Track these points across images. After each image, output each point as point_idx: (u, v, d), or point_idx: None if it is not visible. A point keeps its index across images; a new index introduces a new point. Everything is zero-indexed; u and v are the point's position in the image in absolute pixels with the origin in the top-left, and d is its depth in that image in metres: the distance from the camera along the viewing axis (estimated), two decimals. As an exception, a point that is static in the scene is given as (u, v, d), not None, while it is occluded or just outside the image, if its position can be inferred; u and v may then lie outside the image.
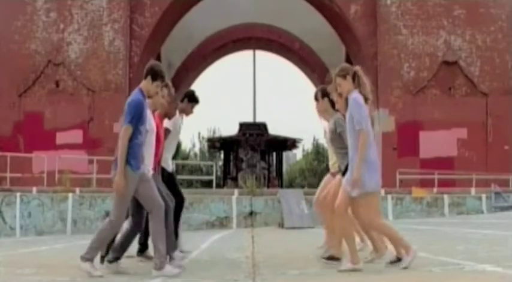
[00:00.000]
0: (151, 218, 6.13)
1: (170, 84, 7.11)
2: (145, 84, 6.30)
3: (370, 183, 6.01)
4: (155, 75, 6.29)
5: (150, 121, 6.49)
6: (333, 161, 7.61)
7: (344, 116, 6.52)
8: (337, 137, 6.78)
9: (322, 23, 30.44)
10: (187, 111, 8.06)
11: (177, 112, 7.81)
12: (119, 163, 6.01)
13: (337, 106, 6.69)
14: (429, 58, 26.39)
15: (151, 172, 6.52)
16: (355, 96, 6.11)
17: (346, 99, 6.31)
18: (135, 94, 6.24)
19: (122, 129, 6.08)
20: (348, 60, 29.79)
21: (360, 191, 5.98)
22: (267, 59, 43.60)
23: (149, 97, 6.48)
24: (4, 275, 6.36)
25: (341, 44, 31.09)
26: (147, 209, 6.20)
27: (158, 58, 30.92)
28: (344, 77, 6.19)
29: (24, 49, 26.23)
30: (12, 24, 26.28)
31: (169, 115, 7.38)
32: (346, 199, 6.07)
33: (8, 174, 22.70)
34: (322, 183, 7.85)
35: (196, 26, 33.13)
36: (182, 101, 8.06)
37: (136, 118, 6.08)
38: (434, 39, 26.45)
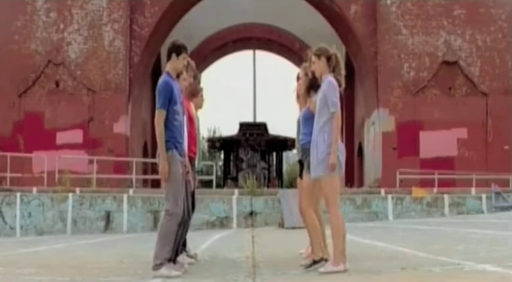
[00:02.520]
0: (163, 219, 5.98)
1: (192, 62, 6.93)
2: (171, 63, 6.22)
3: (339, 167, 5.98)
4: (178, 49, 6.21)
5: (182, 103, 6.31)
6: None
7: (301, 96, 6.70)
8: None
9: (322, 23, 30.42)
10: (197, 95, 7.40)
11: None
12: (159, 148, 5.89)
13: (297, 86, 6.80)
14: (429, 58, 26.38)
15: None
16: (331, 79, 6.09)
17: (311, 80, 6.38)
18: (162, 77, 6.15)
19: (156, 115, 5.97)
20: (348, 60, 29.83)
21: (324, 173, 5.93)
22: (267, 59, 43.62)
23: (177, 76, 6.35)
24: (4, 275, 6.36)
25: (341, 44, 31.07)
26: (165, 205, 6.02)
27: (158, 58, 30.92)
28: (318, 56, 6.17)
29: (24, 49, 26.23)
30: (12, 24, 26.27)
31: (195, 93, 7.15)
32: (309, 191, 6.16)
33: (8, 174, 22.70)
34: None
35: (196, 26, 33.13)
36: None
37: (168, 99, 5.97)
38: (434, 39, 26.44)
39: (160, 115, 5.95)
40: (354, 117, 32.58)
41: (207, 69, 39.53)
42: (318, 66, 6.18)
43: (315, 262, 6.25)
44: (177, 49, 6.22)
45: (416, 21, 26.44)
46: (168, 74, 6.19)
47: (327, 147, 5.91)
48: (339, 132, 5.99)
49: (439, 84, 26.37)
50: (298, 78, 7.20)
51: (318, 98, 6.16)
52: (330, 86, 6.04)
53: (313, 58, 6.20)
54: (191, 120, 6.64)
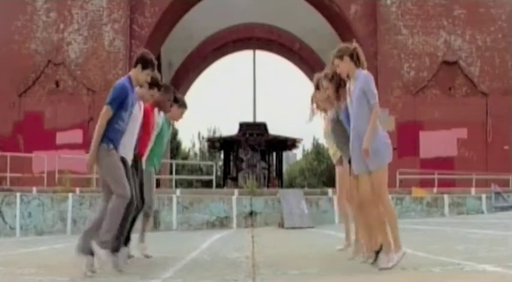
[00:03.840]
0: (113, 200, 5.97)
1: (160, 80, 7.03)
2: (135, 72, 6.25)
3: (388, 154, 6.05)
4: (145, 63, 6.23)
5: (136, 110, 6.44)
6: (333, 150, 7.58)
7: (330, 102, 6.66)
8: (339, 126, 6.68)
9: (322, 23, 30.43)
10: (166, 109, 7.71)
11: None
12: (93, 141, 5.99)
13: (327, 92, 6.66)
14: (429, 58, 26.39)
15: (129, 159, 6.45)
16: (366, 72, 6.07)
17: (337, 81, 6.32)
18: (121, 80, 6.20)
19: (103, 110, 6.01)
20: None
21: (380, 164, 5.98)
22: (267, 59, 43.71)
23: (140, 86, 6.47)
24: (4, 275, 6.35)
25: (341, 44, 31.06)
26: (113, 191, 6.01)
27: (158, 58, 30.88)
28: (341, 57, 6.13)
29: (24, 49, 26.24)
30: (12, 24, 26.28)
31: (161, 106, 7.31)
32: (367, 185, 6.06)
33: (8, 174, 22.70)
34: (336, 181, 7.88)
35: (196, 26, 33.14)
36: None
37: (119, 102, 6.01)
38: (434, 39, 26.45)
39: (107, 112, 6.00)
40: (354, 117, 32.52)
41: (207, 69, 39.55)
42: (344, 66, 6.13)
43: (377, 253, 6.21)
44: (143, 62, 6.25)
45: (416, 21, 26.45)
46: (130, 79, 6.23)
47: (375, 139, 5.93)
48: (377, 123, 5.98)
49: (439, 84, 26.38)
50: (317, 86, 7.11)
51: (352, 93, 6.07)
52: (368, 78, 6.01)
53: (336, 61, 6.15)
54: (147, 126, 6.81)
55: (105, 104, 6.02)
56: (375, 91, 6.03)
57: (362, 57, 6.14)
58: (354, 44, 6.19)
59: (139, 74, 6.25)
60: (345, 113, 6.45)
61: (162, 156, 8.13)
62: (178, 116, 8.09)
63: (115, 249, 6.28)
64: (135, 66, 6.26)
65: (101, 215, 6.08)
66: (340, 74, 6.22)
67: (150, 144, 7.38)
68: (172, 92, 7.57)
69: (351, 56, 6.11)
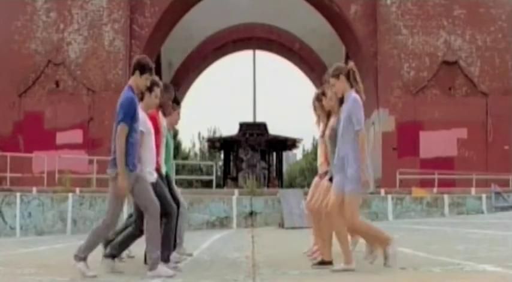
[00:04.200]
0: (146, 218, 6.06)
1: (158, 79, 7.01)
2: (134, 79, 6.23)
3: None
4: (143, 68, 6.22)
5: (146, 123, 6.40)
6: (320, 161, 7.52)
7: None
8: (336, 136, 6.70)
9: (322, 23, 30.44)
10: (168, 110, 7.51)
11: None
12: (118, 164, 5.94)
13: (330, 103, 6.68)
14: (429, 58, 26.39)
15: (154, 175, 6.44)
16: (355, 95, 6.09)
17: (340, 99, 6.35)
18: (125, 92, 6.18)
19: (118, 129, 6.01)
20: (348, 60, 29.81)
21: (354, 189, 6.02)
22: (267, 59, 43.64)
23: (142, 95, 6.44)
24: (4, 275, 6.36)
25: (341, 44, 31.09)
26: (142, 209, 6.14)
27: (158, 58, 30.89)
28: (337, 77, 6.16)
29: (24, 49, 26.23)
30: (12, 24, 26.27)
31: (163, 108, 7.23)
32: (339, 200, 6.07)
33: (8, 174, 22.70)
34: (311, 187, 7.63)
35: (196, 26, 33.15)
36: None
37: (130, 116, 6.03)
38: (434, 39, 26.45)
39: (123, 130, 6.00)
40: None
41: (207, 69, 39.56)
42: (339, 86, 6.17)
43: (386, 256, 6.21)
44: (141, 68, 6.23)
45: (416, 21, 26.44)
46: (131, 89, 6.21)
47: (356, 165, 5.98)
48: (365, 150, 6.02)
49: (439, 84, 26.37)
50: (323, 93, 7.07)
51: (342, 115, 6.14)
52: (355, 103, 6.04)
53: (332, 80, 6.19)
54: (157, 131, 6.72)
55: (119, 122, 6.02)
56: (361, 117, 6.03)
57: (358, 78, 6.16)
58: (351, 64, 6.22)
59: (138, 80, 6.23)
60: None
61: (170, 163, 7.92)
62: (177, 118, 8.00)
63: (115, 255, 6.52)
64: (133, 73, 6.24)
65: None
66: (336, 92, 6.26)
67: (162, 152, 7.20)
68: (172, 91, 7.46)
69: (347, 76, 6.13)
